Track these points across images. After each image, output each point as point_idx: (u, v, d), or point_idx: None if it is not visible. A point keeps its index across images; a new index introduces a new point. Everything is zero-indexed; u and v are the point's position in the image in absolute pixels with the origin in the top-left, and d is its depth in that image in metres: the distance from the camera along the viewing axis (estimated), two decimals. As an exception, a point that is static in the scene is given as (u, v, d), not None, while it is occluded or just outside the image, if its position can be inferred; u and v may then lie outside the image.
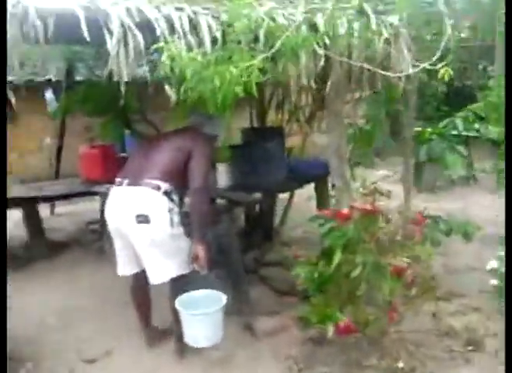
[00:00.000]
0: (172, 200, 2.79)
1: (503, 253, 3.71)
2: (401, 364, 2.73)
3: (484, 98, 4.86)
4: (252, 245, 4.63)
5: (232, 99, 2.16)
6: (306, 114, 4.48)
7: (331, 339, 3.01)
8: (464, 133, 6.91)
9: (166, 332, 3.24)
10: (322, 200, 3.99)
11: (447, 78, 2.16)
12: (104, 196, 3.19)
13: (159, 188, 2.75)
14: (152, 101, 4.34)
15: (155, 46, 2.21)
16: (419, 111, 5.09)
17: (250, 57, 2.13)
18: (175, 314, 2.83)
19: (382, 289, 2.40)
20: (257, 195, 3.44)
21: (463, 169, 7.12)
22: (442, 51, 2.35)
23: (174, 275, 2.85)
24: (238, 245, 3.54)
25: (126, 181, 2.83)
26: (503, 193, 2.29)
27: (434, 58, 2.31)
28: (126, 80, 2.23)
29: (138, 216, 2.70)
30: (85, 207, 6.73)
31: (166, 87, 2.30)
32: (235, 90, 2.10)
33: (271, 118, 4.95)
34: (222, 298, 2.72)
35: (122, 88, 2.22)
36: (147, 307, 3.19)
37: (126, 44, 2.23)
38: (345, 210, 2.36)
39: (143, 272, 2.92)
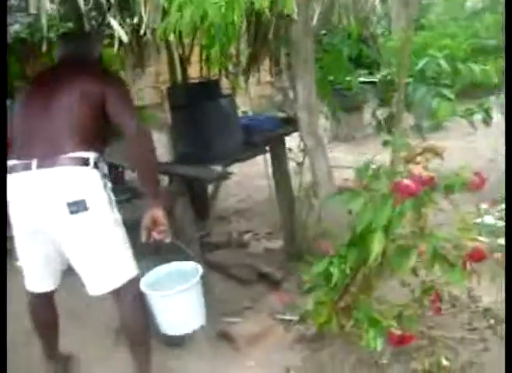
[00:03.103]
0: (103, 172, 2.15)
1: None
2: (445, 362, 2.20)
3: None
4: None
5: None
6: (243, 62, 3.69)
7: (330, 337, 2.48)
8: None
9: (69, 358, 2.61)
10: (280, 167, 3.28)
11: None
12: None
13: (87, 162, 2.07)
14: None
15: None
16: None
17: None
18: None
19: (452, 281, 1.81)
20: (217, 168, 2.65)
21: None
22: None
23: (132, 275, 2.17)
24: (197, 239, 2.78)
25: (34, 163, 2.03)
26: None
27: None
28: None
29: (70, 204, 2.00)
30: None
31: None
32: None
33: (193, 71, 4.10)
34: (197, 269, 2.19)
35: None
36: (56, 330, 2.45)
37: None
38: (406, 181, 1.70)
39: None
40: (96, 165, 2.10)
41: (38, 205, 2.03)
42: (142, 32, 1.82)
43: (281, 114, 3.78)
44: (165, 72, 6.38)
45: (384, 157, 2.35)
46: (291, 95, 5.44)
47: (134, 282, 2.16)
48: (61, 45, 2.45)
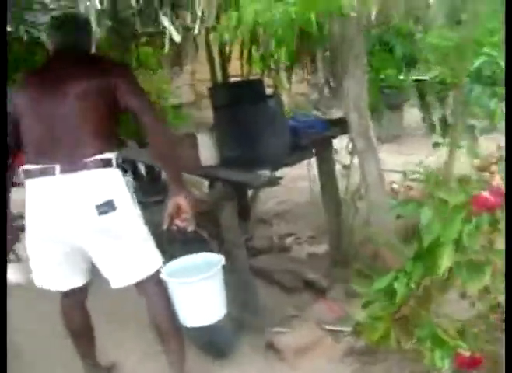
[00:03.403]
0: (123, 168, 2.16)
1: None
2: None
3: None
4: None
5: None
6: (285, 60, 3.56)
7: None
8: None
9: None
10: (327, 170, 3.13)
11: None
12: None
13: (110, 162, 2.07)
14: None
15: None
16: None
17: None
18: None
19: None
20: (265, 173, 2.54)
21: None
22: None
23: (157, 266, 2.17)
24: (244, 244, 2.68)
25: (57, 167, 2.00)
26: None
27: None
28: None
29: (99, 206, 2.00)
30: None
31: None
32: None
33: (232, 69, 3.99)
34: (220, 260, 2.14)
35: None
36: (91, 333, 2.39)
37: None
38: (485, 194, 1.55)
39: (85, 285, 2.28)
40: (117, 164, 2.10)
41: (64, 209, 2.00)
42: (196, 31, 1.72)
43: (319, 114, 3.64)
44: (201, 70, 6.34)
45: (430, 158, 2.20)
46: (326, 92, 5.33)
47: (159, 273, 2.16)
48: (55, 33, 2.21)
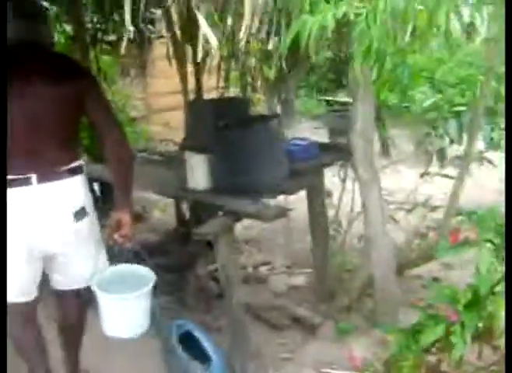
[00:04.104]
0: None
1: None
2: None
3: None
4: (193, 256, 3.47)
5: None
6: (270, 76, 3.33)
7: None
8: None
9: None
10: (317, 200, 2.90)
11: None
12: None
13: (81, 169, 2.13)
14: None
15: None
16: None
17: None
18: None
19: None
20: (269, 202, 2.31)
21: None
22: None
23: (107, 266, 2.25)
24: (240, 283, 2.43)
25: (34, 177, 2.00)
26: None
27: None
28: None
29: (75, 213, 2.07)
30: None
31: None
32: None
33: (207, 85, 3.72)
34: (151, 274, 2.13)
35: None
36: (43, 344, 2.29)
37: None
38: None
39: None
40: (84, 171, 2.14)
41: (44, 217, 2.02)
42: (242, 37, 1.47)
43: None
44: (154, 84, 6.03)
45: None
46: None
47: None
48: (17, 26, 1.99)
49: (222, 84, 3.65)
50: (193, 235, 2.41)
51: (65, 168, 2.05)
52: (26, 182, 1.99)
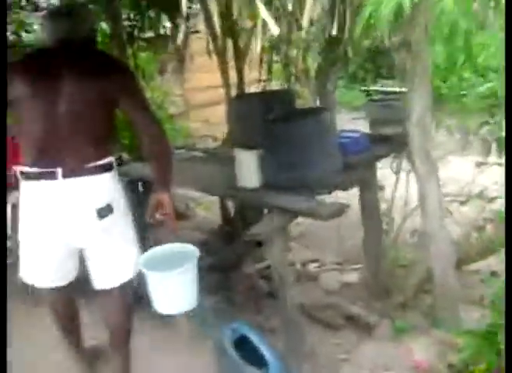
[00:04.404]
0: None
1: None
2: None
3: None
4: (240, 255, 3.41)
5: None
6: (314, 67, 3.22)
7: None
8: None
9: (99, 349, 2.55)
10: (370, 193, 2.78)
11: None
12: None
13: (110, 167, 2.11)
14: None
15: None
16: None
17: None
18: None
19: None
20: (324, 199, 2.21)
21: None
22: None
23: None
24: (293, 284, 2.34)
25: (59, 171, 2.02)
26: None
27: None
28: None
29: (99, 210, 2.07)
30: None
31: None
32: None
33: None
34: (195, 251, 2.13)
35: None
36: (78, 324, 2.45)
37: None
38: None
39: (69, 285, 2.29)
40: (115, 168, 2.13)
41: (66, 212, 2.04)
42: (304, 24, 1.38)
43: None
44: (191, 79, 5.98)
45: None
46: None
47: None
48: (53, 25, 2.09)
49: (264, 77, 3.55)
50: (245, 236, 2.32)
51: (94, 164, 2.05)
52: (52, 176, 2.01)
